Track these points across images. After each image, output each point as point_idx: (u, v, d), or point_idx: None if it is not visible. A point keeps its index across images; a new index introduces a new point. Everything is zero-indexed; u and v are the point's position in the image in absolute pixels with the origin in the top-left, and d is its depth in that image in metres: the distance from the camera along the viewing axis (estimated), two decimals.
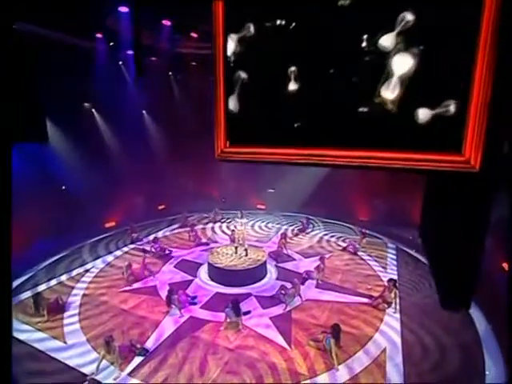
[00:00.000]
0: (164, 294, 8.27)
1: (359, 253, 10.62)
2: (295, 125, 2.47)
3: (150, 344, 6.56)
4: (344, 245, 11.26)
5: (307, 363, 6.12)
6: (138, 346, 6.41)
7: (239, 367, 5.91)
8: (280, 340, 6.66)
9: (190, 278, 9.35)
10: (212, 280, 8.98)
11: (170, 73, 14.99)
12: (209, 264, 9.13)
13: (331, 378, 5.81)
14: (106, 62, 11.88)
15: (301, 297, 7.84)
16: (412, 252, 11.00)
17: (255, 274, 9.18)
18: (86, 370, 5.86)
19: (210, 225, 13.89)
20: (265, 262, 9.22)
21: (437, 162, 1.99)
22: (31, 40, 2.75)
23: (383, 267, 9.79)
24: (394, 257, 10.61)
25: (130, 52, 12.24)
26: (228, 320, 6.74)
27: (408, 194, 12.05)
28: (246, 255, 9.35)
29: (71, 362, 6.05)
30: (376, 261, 10.15)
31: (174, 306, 7.40)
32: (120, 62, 12.87)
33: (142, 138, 14.48)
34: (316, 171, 14.96)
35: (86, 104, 12.83)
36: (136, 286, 8.85)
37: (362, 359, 6.24)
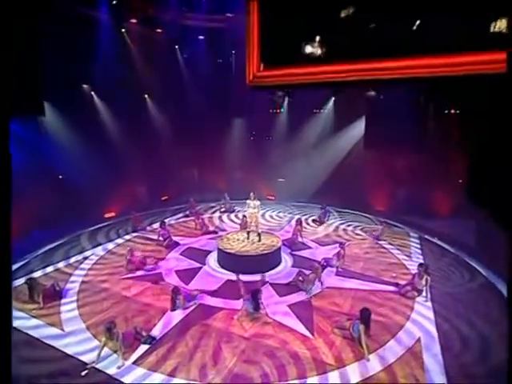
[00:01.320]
0: (171, 280, 8.12)
1: (380, 242, 10.52)
2: (334, 39, 2.35)
3: (156, 332, 6.19)
4: (363, 234, 11.56)
5: (333, 352, 5.75)
6: (144, 333, 6.00)
7: (257, 356, 5.53)
8: (301, 328, 6.33)
9: (198, 265, 9.04)
10: (222, 267, 8.66)
11: (177, 47, 14.43)
12: (219, 250, 8.84)
13: (362, 368, 5.40)
14: (108, 34, 11.50)
15: (322, 283, 7.58)
16: (435, 241, 10.88)
17: (269, 260, 8.84)
18: (85, 359, 5.51)
19: (218, 214, 14.06)
20: (279, 248, 8.91)
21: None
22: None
23: (407, 256, 9.61)
24: (418, 246, 10.63)
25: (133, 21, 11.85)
26: (245, 311, 6.46)
27: (425, 184, 12.37)
28: (259, 241, 9.12)
29: (69, 350, 5.68)
30: (399, 249, 10.01)
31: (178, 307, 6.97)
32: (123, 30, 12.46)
33: (144, 124, 14.11)
34: (327, 162, 14.94)
35: (85, 86, 12.44)
36: (139, 273, 8.49)
37: (394, 349, 5.84)
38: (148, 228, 12.20)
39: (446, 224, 11.34)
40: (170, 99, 14.68)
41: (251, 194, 9.21)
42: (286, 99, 16.58)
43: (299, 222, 11.02)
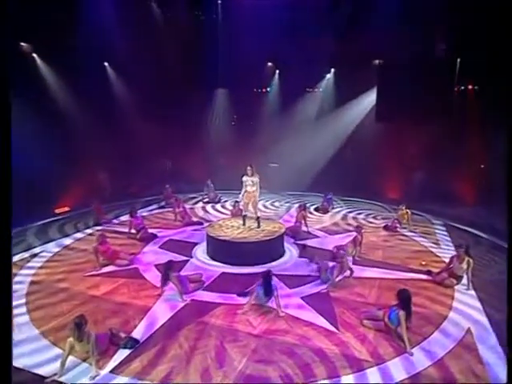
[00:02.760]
0: (150, 275, 7.75)
1: (399, 229, 10.87)
2: None
3: (138, 334, 5.70)
4: (377, 222, 11.80)
5: (367, 347, 5.49)
6: (122, 335, 5.45)
7: (273, 355, 5.25)
8: (322, 322, 6.11)
9: (184, 258, 8.75)
10: (214, 259, 8.48)
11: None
12: (209, 239, 8.67)
13: (406, 363, 5.13)
14: None
15: (352, 270, 7.55)
16: (463, 227, 11.10)
17: (273, 248, 8.59)
18: (43, 372, 4.93)
19: (201, 204, 13.96)
20: (283, 235, 8.87)
21: None
22: None
23: (435, 243, 9.94)
24: (445, 232, 10.87)
25: None
26: (253, 302, 6.31)
27: (444, 167, 12.73)
28: (259, 227, 8.97)
29: (20, 363, 5.03)
30: (423, 237, 10.34)
31: (172, 287, 6.77)
32: None
33: (104, 101, 13.24)
34: (327, 144, 15.10)
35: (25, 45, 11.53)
36: (107, 270, 8.05)
37: (441, 341, 5.62)
38: (114, 221, 11.65)
39: (471, 211, 11.61)
40: (137, 68, 13.89)
41: (248, 167, 8.82)
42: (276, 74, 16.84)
43: (303, 207, 10.83)
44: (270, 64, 16.75)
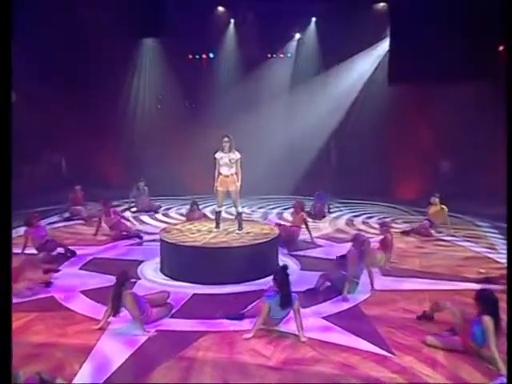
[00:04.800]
0: (78, 305, 7.65)
1: (435, 234, 11.77)
2: None
3: (82, 380, 5.43)
4: (398, 226, 12.49)
5: (442, 372, 5.53)
6: (60, 381, 5.10)
7: None
8: (366, 345, 6.19)
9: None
10: (175, 278, 8.59)
11: None
12: (166, 248, 8.93)
13: None
14: None
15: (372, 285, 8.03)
16: None
17: (267, 256, 8.72)
18: None
19: (129, 214, 14.21)
20: (277, 239, 9.27)
21: None
22: None
23: (489, 248, 10.79)
24: (500, 235, 11.71)
25: None
26: (262, 321, 6.41)
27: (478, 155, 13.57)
28: (240, 228, 9.25)
29: None
30: (470, 241, 11.25)
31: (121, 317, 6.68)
32: None
33: None
34: (308, 135, 15.45)
35: None
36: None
37: None
38: None
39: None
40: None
41: (224, 139, 8.87)
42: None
43: (300, 206, 11.12)
44: (221, 9, 17.03)
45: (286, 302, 6.32)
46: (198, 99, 17.61)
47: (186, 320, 7.00)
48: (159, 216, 14.02)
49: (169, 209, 14.38)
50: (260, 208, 14.71)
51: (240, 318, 6.72)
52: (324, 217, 13.21)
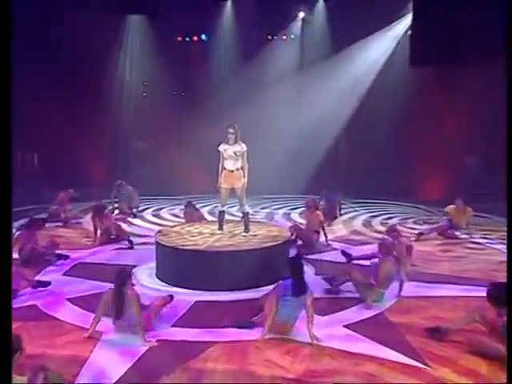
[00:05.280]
0: (65, 314, 7.73)
1: (462, 236, 12.13)
2: None
3: None
4: (421, 228, 12.76)
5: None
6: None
7: None
8: (395, 356, 6.25)
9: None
10: (173, 283, 8.76)
11: None
12: (163, 252, 9.10)
13: None
14: None
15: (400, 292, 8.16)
16: None
17: (279, 261, 8.69)
18: None
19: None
20: (289, 242, 9.55)
21: None
22: None
23: None
24: None
25: None
26: (276, 317, 6.53)
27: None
28: (247, 230, 9.37)
29: None
30: (504, 243, 11.31)
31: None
32: None
33: None
34: (316, 127, 15.57)
35: None
36: None
37: None
38: None
39: None
40: None
41: (230, 130, 8.99)
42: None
43: (315, 205, 11.26)
44: None
45: (298, 288, 6.52)
46: (190, 87, 17.58)
47: (189, 329, 7.07)
48: (149, 217, 14.18)
49: (160, 209, 14.55)
50: (263, 208, 14.87)
51: (251, 326, 6.79)
52: (335, 218, 13.34)
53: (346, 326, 7.13)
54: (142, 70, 18.15)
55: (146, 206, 15.26)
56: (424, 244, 11.24)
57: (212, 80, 17.17)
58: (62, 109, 16.18)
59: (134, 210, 14.33)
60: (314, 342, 6.41)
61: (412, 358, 6.20)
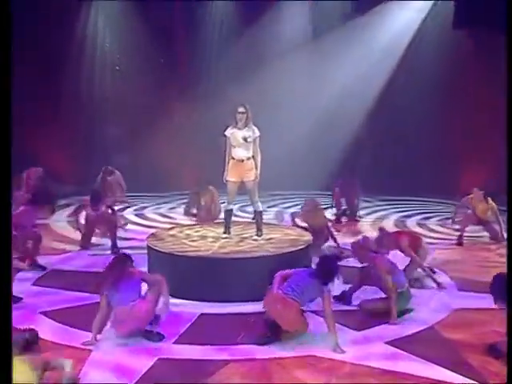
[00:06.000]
0: (41, 329, 7.44)
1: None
2: None
3: None
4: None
5: None
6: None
7: None
8: (455, 377, 6.31)
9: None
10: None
11: None
12: (158, 258, 9.29)
13: None
14: None
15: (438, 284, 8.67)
16: None
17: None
18: None
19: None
20: (309, 246, 9.61)
21: None
22: None
23: None
24: None
25: None
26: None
27: None
28: (259, 233, 9.52)
29: None
30: None
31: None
32: None
33: None
34: (332, 111, 15.68)
35: None
36: None
37: None
38: None
39: None
40: None
41: (239, 109, 8.92)
42: None
43: (315, 205, 11.36)
44: None
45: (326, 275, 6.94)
46: (178, 59, 17.52)
47: (196, 346, 7.15)
48: (132, 217, 14.45)
49: (144, 208, 14.79)
50: (270, 207, 14.92)
51: (271, 341, 6.89)
52: (355, 216, 13.67)
53: (389, 343, 7.18)
54: (117, 37, 18.00)
55: (126, 205, 15.29)
56: (480, 249, 11.52)
57: (205, 50, 17.07)
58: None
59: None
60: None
61: (473, 379, 6.28)
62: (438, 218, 13.95)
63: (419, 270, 9.63)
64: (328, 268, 7.06)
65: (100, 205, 11.86)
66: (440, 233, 12.72)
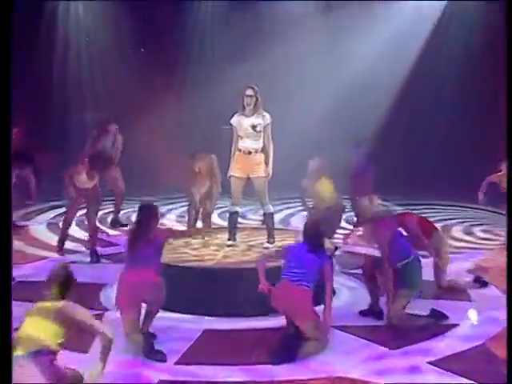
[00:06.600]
0: None
1: None
2: None
3: None
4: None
5: None
6: None
7: None
8: None
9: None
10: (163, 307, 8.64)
11: None
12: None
13: None
14: None
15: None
16: None
17: None
18: None
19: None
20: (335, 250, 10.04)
21: None
22: None
23: None
24: None
25: None
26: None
27: None
28: (272, 240, 9.67)
29: None
30: None
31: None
32: None
33: None
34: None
35: None
36: None
37: None
38: None
39: None
40: None
41: (247, 91, 8.87)
42: None
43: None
44: None
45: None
46: (168, 35, 17.69)
47: (202, 366, 7.17)
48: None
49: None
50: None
51: (291, 357, 6.95)
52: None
53: (434, 364, 7.14)
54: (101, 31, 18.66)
55: (109, 210, 15.48)
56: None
57: (199, 22, 17.50)
58: None
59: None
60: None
61: None
62: (469, 224, 14.21)
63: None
64: (313, 233, 7.29)
65: (103, 169, 11.99)
66: (465, 241, 13.22)
